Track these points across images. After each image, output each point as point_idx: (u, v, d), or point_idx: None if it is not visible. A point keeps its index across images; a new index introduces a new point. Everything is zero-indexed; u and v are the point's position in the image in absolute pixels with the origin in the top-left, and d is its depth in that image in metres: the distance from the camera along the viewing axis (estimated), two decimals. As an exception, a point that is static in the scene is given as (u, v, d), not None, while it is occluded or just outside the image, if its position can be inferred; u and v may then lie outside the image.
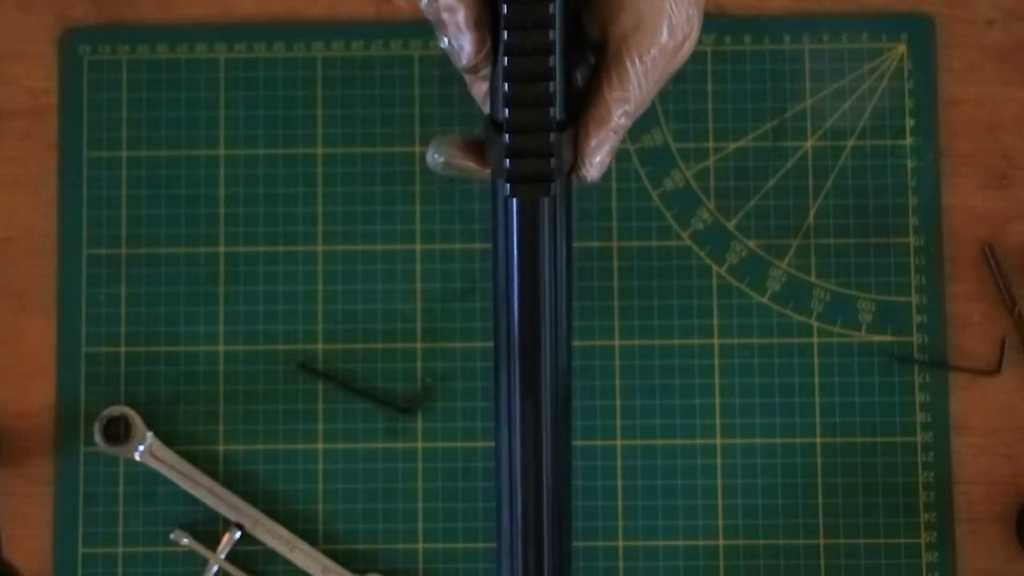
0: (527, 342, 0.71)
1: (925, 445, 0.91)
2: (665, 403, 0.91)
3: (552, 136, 0.68)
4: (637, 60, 0.70)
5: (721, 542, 0.90)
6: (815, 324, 0.91)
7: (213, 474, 0.91)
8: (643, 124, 0.92)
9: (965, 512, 0.90)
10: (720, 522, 0.90)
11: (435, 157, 0.73)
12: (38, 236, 0.93)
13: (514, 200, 0.69)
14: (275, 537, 0.90)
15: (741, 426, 0.91)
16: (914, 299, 0.92)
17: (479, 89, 0.72)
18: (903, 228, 0.92)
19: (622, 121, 0.70)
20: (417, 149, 0.93)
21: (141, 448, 0.90)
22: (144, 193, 0.93)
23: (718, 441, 0.91)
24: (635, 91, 0.70)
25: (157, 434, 0.91)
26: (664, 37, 0.70)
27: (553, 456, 0.73)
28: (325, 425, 0.91)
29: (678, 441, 0.91)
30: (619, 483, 0.90)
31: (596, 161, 0.71)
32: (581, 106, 0.71)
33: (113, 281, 0.92)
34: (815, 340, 0.91)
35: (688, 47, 0.72)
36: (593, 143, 0.70)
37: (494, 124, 0.69)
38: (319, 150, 0.93)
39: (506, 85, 0.67)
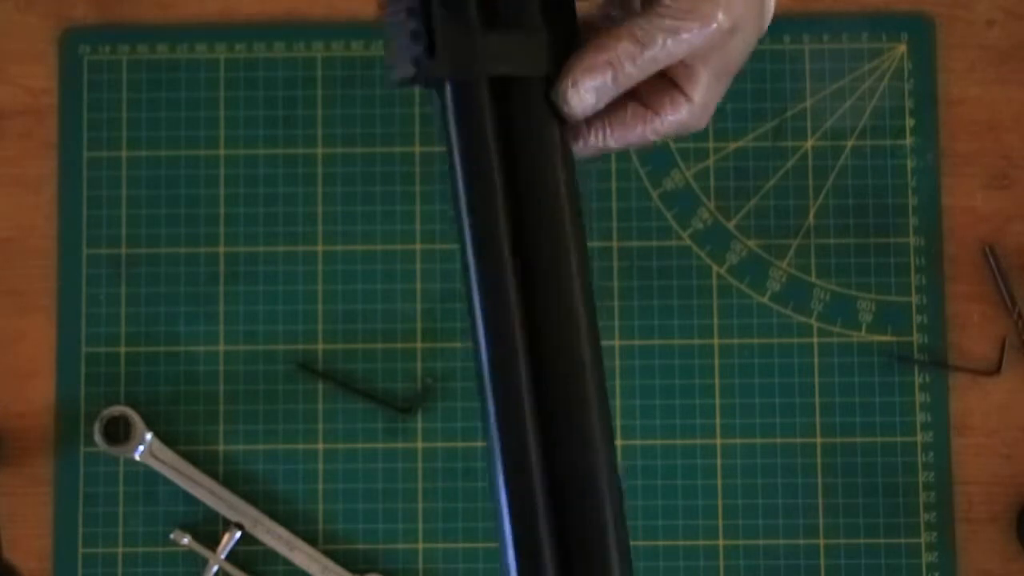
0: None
1: (925, 445, 0.91)
2: (665, 403, 0.91)
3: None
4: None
5: (721, 542, 0.90)
6: (815, 324, 0.91)
7: (213, 474, 0.91)
8: (643, 124, 0.92)
9: (965, 512, 0.90)
10: (720, 522, 0.90)
11: None
12: (38, 236, 0.93)
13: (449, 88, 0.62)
14: (275, 537, 0.90)
15: (741, 426, 0.91)
16: (914, 299, 0.92)
17: None
18: (903, 228, 0.92)
19: (625, 60, 0.64)
20: (417, 149, 0.93)
21: (141, 448, 0.90)
22: (144, 193, 0.93)
23: (718, 441, 0.91)
24: (656, 32, 0.64)
25: (157, 434, 0.91)
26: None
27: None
28: (325, 425, 0.91)
29: (678, 441, 0.91)
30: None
31: (572, 87, 0.64)
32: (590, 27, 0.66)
33: (113, 281, 0.92)
34: (815, 340, 0.91)
35: (742, 38, 0.67)
36: (579, 67, 0.64)
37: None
38: (319, 150, 0.93)
39: None
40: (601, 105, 0.65)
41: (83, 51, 0.94)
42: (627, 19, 0.66)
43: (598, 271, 0.92)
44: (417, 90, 0.93)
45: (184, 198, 0.92)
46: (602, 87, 0.65)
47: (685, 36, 0.65)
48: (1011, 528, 0.90)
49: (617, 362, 0.91)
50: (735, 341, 0.91)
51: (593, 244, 0.92)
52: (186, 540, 0.90)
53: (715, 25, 0.66)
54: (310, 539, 0.90)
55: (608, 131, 0.67)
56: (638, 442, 0.91)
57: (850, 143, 0.93)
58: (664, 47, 0.65)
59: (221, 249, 0.92)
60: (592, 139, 0.67)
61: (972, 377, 0.91)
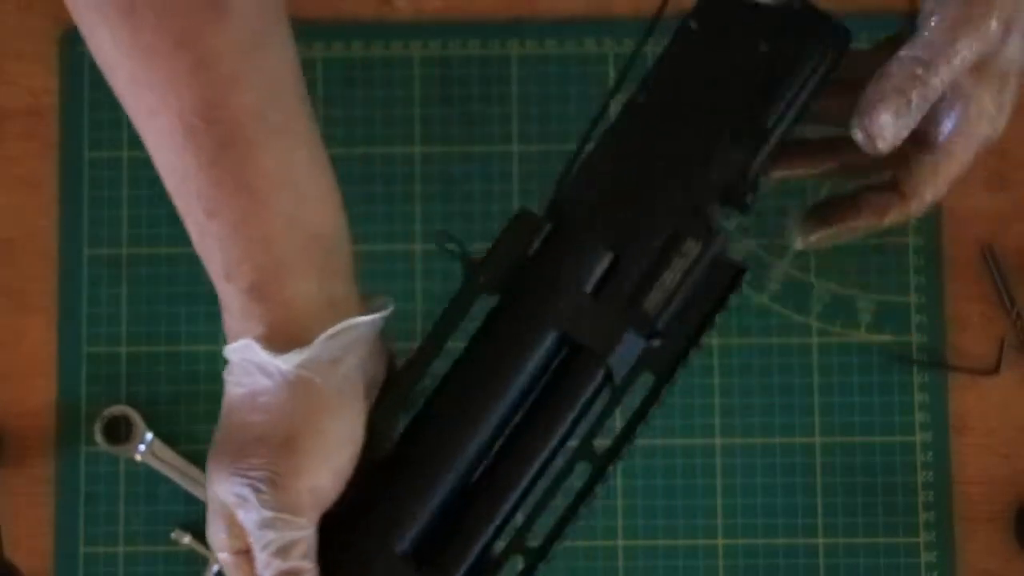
0: None
1: (924, 445, 0.91)
2: (665, 403, 0.91)
3: None
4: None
5: (720, 541, 0.90)
6: (815, 324, 0.91)
7: (214, 474, 0.91)
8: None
9: (964, 512, 0.90)
10: (719, 522, 0.90)
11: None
12: (39, 236, 0.93)
13: None
14: (276, 536, 0.90)
15: (741, 426, 0.91)
16: (913, 299, 0.92)
17: None
18: (902, 228, 0.92)
19: (911, 82, 0.66)
20: (417, 149, 0.93)
21: (142, 448, 0.90)
22: (145, 193, 0.93)
23: (717, 441, 0.91)
24: (934, 50, 0.67)
25: (158, 434, 0.91)
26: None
27: None
28: (325, 425, 0.91)
29: (678, 441, 0.91)
30: (619, 483, 0.90)
31: (869, 122, 0.67)
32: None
33: (114, 281, 0.92)
34: (814, 340, 0.91)
35: (1018, 38, 0.68)
36: (864, 102, 0.67)
37: None
38: (319, 150, 0.92)
39: None
40: (904, 134, 0.67)
41: (84, 51, 0.93)
42: (901, 47, 0.67)
43: (598, 271, 0.92)
44: (417, 90, 0.93)
45: (185, 198, 0.92)
46: (897, 115, 0.67)
47: (963, 47, 0.67)
48: (1010, 528, 0.90)
49: (617, 362, 0.91)
50: (734, 341, 0.91)
51: (593, 244, 0.92)
52: (187, 539, 0.90)
53: (991, 29, 0.67)
54: (310, 538, 0.90)
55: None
56: (638, 442, 0.90)
57: (850, 143, 0.92)
58: (948, 61, 0.67)
59: (221, 249, 0.92)
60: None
61: (971, 377, 0.91)
